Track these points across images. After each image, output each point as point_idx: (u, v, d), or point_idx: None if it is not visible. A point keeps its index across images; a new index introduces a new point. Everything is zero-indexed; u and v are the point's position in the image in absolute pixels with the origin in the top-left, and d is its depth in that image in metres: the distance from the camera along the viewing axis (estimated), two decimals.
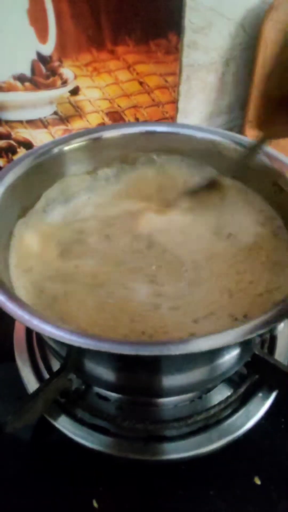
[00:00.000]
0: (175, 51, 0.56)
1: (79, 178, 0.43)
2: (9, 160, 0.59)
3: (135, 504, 0.36)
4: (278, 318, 0.24)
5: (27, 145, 0.59)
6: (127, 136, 0.43)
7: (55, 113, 0.57)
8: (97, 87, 0.57)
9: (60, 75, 0.54)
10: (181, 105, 0.63)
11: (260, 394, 0.40)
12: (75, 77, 0.55)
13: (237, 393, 0.39)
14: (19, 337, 0.44)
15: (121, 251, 0.38)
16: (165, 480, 0.37)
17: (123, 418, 0.38)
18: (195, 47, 0.58)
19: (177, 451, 0.37)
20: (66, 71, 0.54)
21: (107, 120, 0.61)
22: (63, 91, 0.56)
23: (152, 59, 0.56)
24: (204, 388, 0.40)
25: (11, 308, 0.26)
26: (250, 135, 0.32)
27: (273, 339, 0.44)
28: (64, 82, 0.55)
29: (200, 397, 0.40)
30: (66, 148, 0.41)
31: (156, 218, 0.40)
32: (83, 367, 0.34)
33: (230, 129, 0.64)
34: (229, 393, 0.39)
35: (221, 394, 0.40)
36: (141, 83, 0.58)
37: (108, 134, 0.42)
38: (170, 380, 0.33)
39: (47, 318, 0.25)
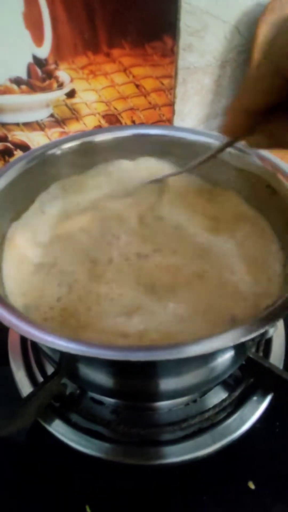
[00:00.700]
0: (171, 54, 0.56)
1: (73, 181, 0.43)
2: (6, 163, 0.59)
3: (128, 509, 0.35)
4: (268, 322, 0.24)
5: (24, 147, 0.59)
6: (120, 139, 0.43)
7: (52, 115, 0.57)
8: (93, 90, 0.57)
9: (56, 78, 0.54)
10: (177, 107, 0.63)
11: (255, 398, 0.40)
12: (71, 80, 0.55)
13: (232, 397, 0.39)
14: (13, 340, 0.44)
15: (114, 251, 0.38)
16: (159, 485, 0.36)
17: (117, 422, 0.38)
18: (190, 50, 0.58)
19: (172, 455, 0.37)
20: (62, 74, 0.54)
21: (103, 122, 0.61)
22: (59, 94, 0.56)
23: (148, 62, 0.56)
24: (198, 391, 0.40)
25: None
26: (246, 138, 0.32)
27: (268, 342, 0.44)
28: (60, 85, 0.55)
29: (195, 401, 0.40)
30: (60, 151, 0.40)
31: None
32: (76, 371, 0.33)
33: None
34: (224, 397, 0.39)
35: (216, 397, 0.40)
36: (137, 86, 0.58)
37: (102, 137, 0.42)
38: (163, 384, 0.33)
39: (36, 323, 0.25)
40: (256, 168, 0.38)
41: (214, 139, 0.41)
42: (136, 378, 0.33)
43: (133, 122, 0.62)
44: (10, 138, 0.57)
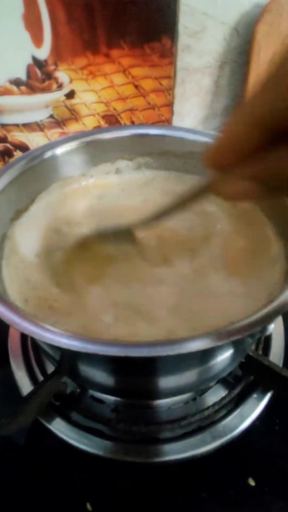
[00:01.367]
0: (169, 54, 0.56)
1: (73, 181, 0.44)
2: (6, 163, 0.60)
3: (128, 506, 0.35)
4: (265, 320, 0.24)
5: (24, 148, 0.59)
6: (120, 139, 0.43)
7: (51, 116, 0.58)
8: (92, 91, 0.57)
9: (56, 79, 0.55)
10: (176, 108, 0.63)
11: (254, 395, 0.40)
12: (71, 80, 0.55)
13: (232, 395, 0.39)
14: (14, 339, 0.45)
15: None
16: (159, 482, 0.37)
17: (118, 420, 0.38)
18: (189, 51, 0.58)
19: (172, 453, 0.37)
20: (62, 75, 0.54)
21: (103, 123, 0.61)
22: (59, 95, 0.56)
23: (147, 63, 0.57)
24: (198, 389, 0.40)
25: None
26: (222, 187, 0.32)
27: (267, 340, 0.44)
28: (60, 86, 0.55)
29: (194, 399, 0.40)
30: (60, 151, 0.41)
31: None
32: (76, 370, 0.34)
33: None
34: (223, 395, 0.39)
35: (215, 395, 0.40)
36: (136, 86, 0.59)
37: (101, 137, 0.42)
38: (163, 382, 0.33)
39: (36, 319, 0.25)
40: None
41: (213, 139, 0.41)
42: (136, 376, 0.33)
43: (132, 122, 0.62)
44: (9, 139, 0.58)
